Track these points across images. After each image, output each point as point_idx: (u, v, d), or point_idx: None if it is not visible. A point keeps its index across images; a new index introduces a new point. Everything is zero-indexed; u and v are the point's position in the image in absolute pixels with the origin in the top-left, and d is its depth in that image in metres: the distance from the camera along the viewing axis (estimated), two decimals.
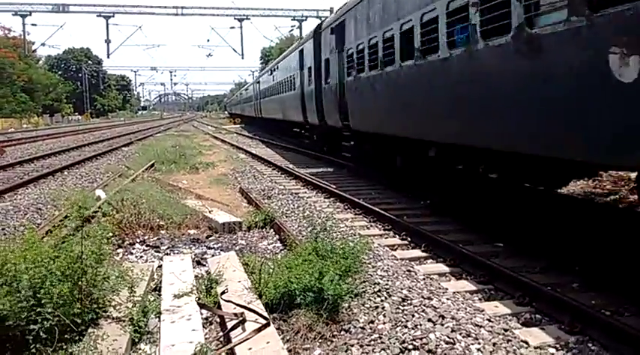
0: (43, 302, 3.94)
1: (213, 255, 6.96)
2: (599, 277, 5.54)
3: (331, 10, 33.89)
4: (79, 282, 4.30)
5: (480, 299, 5.29)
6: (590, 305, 4.75)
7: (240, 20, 58.04)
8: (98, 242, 4.78)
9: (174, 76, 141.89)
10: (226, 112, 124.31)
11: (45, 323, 3.88)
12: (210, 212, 9.02)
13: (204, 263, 6.64)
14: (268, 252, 7.02)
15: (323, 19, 39.05)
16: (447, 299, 5.02)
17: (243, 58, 61.61)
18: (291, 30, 60.62)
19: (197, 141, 30.20)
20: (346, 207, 9.89)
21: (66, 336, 4.00)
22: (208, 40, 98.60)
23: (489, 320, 4.52)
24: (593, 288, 5.34)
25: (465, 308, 4.78)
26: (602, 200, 9.71)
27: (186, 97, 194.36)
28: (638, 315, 4.75)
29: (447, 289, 5.37)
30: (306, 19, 57.40)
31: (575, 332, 4.41)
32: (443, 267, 6.32)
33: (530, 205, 8.13)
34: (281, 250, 7.08)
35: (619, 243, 6.40)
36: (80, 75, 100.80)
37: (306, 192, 11.70)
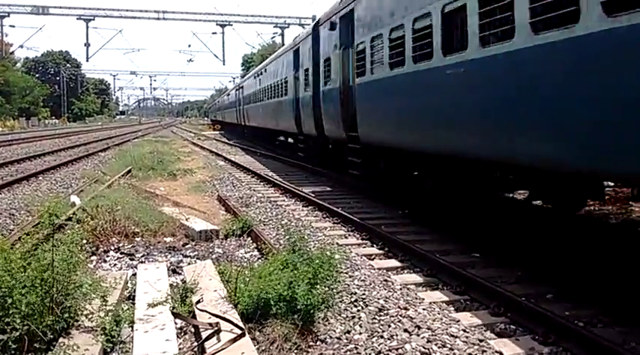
0: (10, 312, 3.85)
1: (189, 264, 6.89)
2: (573, 287, 5.61)
3: (313, 18, 33.87)
4: (50, 291, 4.21)
5: (455, 310, 5.30)
6: (564, 316, 4.79)
7: (222, 26, 58.07)
8: (71, 249, 4.70)
9: (154, 80, 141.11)
10: (206, 118, 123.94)
11: (14, 332, 3.79)
12: (187, 219, 8.93)
13: (180, 271, 6.57)
14: (245, 260, 6.96)
15: (306, 26, 39.22)
16: (424, 309, 5.04)
17: (224, 64, 61.50)
18: (273, 37, 60.85)
19: (175, 147, 29.96)
20: (325, 216, 9.88)
21: (35, 346, 3.90)
22: (189, 46, 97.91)
23: (465, 331, 4.54)
24: (568, 299, 5.39)
25: (441, 319, 4.80)
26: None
27: (166, 102, 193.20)
28: (612, 326, 4.81)
29: (423, 299, 5.39)
30: (288, 27, 57.71)
31: (549, 343, 4.44)
32: (420, 277, 6.33)
33: (508, 215, 8.21)
34: (258, 259, 7.04)
35: (592, 253, 6.50)
36: (58, 78, 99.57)
37: (284, 201, 11.66)
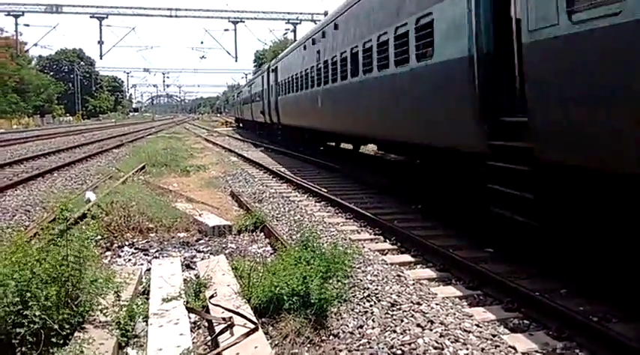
0: (29, 304, 3.91)
1: (202, 259, 6.93)
2: (587, 283, 5.56)
3: (325, 14, 33.80)
4: (66, 285, 4.26)
5: (468, 305, 5.29)
6: (578, 312, 4.76)
7: (235, 23, 58.12)
8: (85, 245, 4.75)
9: (167, 77, 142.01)
10: (219, 115, 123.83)
11: (31, 326, 3.85)
12: (200, 215, 8.99)
13: (194, 266, 6.61)
14: (258, 255, 6.99)
15: (317, 22, 39.13)
16: (436, 304, 5.03)
17: (236, 60, 61.40)
18: (285, 33, 60.72)
19: (189, 143, 30.13)
20: (337, 212, 9.88)
21: (52, 340, 3.95)
22: (202, 42, 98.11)
23: (478, 326, 4.53)
24: (582, 295, 5.36)
25: (454, 314, 4.79)
26: None
27: (179, 99, 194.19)
28: (626, 322, 4.76)
29: (436, 294, 5.38)
30: (300, 23, 57.61)
31: (563, 338, 4.42)
32: (432, 272, 6.32)
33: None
34: (271, 254, 7.07)
35: (606, 250, 6.43)
36: (72, 76, 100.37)
37: (297, 196, 11.68)
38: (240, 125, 54.36)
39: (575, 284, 5.62)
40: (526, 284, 5.52)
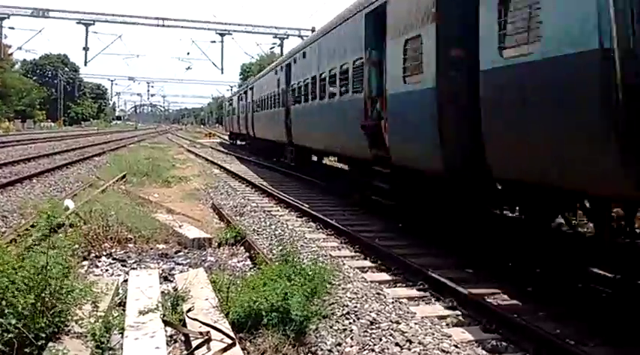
0: (5, 312, 3.82)
1: (181, 271, 6.87)
2: (564, 306, 5.61)
3: (313, 29, 34.03)
4: (42, 294, 4.19)
5: (447, 325, 5.30)
6: (556, 334, 4.80)
7: (222, 35, 58.16)
8: (64, 253, 4.68)
9: (152, 86, 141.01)
10: (202, 126, 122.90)
11: (5, 335, 3.76)
12: (180, 227, 8.92)
13: (172, 279, 6.55)
14: (238, 269, 6.95)
15: (305, 37, 39.35)
16: (415, 323, 5.04)
17: (222, 72, 61.21)
18: (272, 47, 60.90)
19: (171, 153, 29.94)
20: (318, 227, 9.87)
21: (26, 350, 3.87)
22: (188, 53, 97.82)
23: (456, 347, 4.54)
24: (560, 317, 5.40)
25: (433, 334, 4.80)
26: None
27: (163, 109, 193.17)
28: (602, 345, 4.81)
29: (415, 313, 5.39)
30: (287, 37, 57.82)
31: None
32: (412, 291, 6.32)
33: (501, 231, 8.22)
34: (251, 268, 7.02)
35: (584, 273, 6.51)
36: (56, 81, 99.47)
37: (278, 211, 11.65)
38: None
39: (552, 305, 5.66)
40: (505, 306, 5.57)
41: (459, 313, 5.60)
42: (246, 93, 32.46)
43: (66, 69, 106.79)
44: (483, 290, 6.16)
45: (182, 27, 58.25)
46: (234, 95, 42.77)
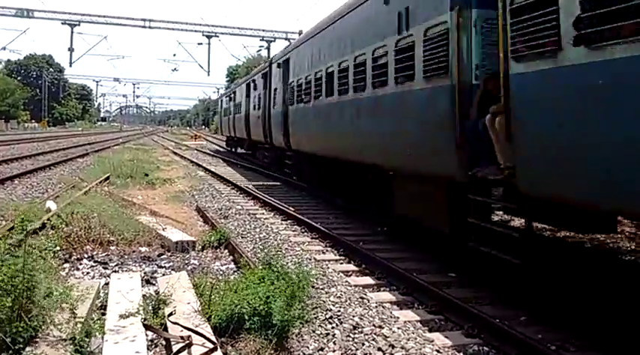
0: None
1: (163, 274, 6.80)
2: (546, 311, 5.64)
3: (300, 33, 33.90)
4: (20, 298, 4.12)
5: (429, 330, 5.30)
6: (537, 339, 4.81)
7: (209, 37, 57.97)
8: (44, 255, 4.61)
9: (138, 88, 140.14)
10: (189, 128, 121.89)
11: None
12: (163, 229, 8.84)
13: (154, 282, 6.48)
14: (221, 273, 6.89)
15: (292, 40, 39.28)
16: (398, 328, 5.04)
17: (209, 74, 61.16)
18: (259, 50, 60.79)
19: (156, 155, 29.71)
20: (303, 231, 9.85)
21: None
22: (174, 55, 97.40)
23: (438, 352, 4.55)
24: (540, 322, 5.42)
25: (415, 338, 4.80)
26: (551, 234, 9.95)
27: (148, 111, 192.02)
28: (584, 350, 4.84)
29: (398, 318, 5.39)
30: (274, 41, 57.81)
31: None
32: (395, 296, 6.32)
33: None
34: (234, 272, 6.98)
35: (566, 278, 6.55)
36: (40, 82, 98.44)
37: (263, 214, 11.61)
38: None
39: (535, 311, 5.68)
40: (487, 310, 5.58)
41: (442, 317, 5.61)
42: (266, 76, 20.84)
43: (51, 69, 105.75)
44: (466, 294, 6.18)
45: (168, 28, 57.99)
46: (238, 86, 31.85)
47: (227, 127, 35.77)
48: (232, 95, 33.44)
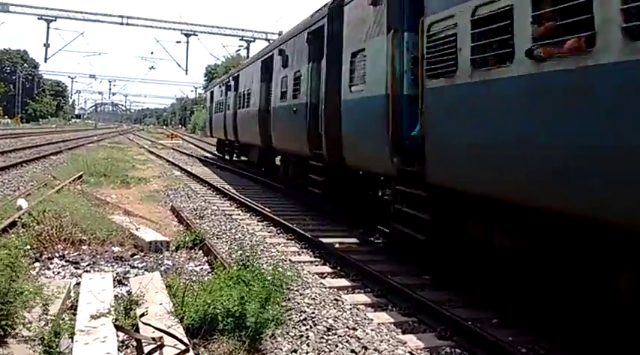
0: None
1: (136, 275, 6.71)
2: (517, 313, 5.71)
3: (280, 33, 33.86)
4: None
5: (403, 332, 5.33)
6: (508, 342, 4.88)
7: (187, 35, 57.62)
8: (13, 254, 4.53)
9: (114, 85, 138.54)
10: (165, 127, 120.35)
11: None
12: (137, 229, 8.73)
13: (126, 282, 6.39)
14: (195, 273, 6.84)
15: (271, 40, 39.17)
16: (372, 330, 5.05)
17: (187, 73, 60.70)
18: (239, 50, 60.59)
19: (131, 154, 29.37)
20: (279, 232, 9.83)
21: None
22: (152, 53, 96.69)
23: (411, 353, 4.58)
24: (512, 324, 5.50)
25: (388, 340, 4.82)
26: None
27: (124, 108, 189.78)
28: (554, 353, 4.92)
29: (372, 320, 5.41)
30: (254, 41, 57.65)
31: None
32: (370, 298, 6.35)
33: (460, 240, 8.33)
34: (208, 273, 6.92)
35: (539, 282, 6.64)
36: (14, 77, 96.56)
37: (239, 214, 11.56)
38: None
39: (507, 313, 5.75)
40: (460, 313, 5.63)
41: (415, 320, 5.65)
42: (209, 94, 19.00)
43: (25, 65, 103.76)
44: (440, 297, 6.23)
45: (146, 26, 57.41)
46: (244, 68, 21.62)
47: (220, 127, 25.43)
48: (232, 83, 22.92)
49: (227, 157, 27.17)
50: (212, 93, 30.73)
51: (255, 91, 17.80)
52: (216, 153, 30.59)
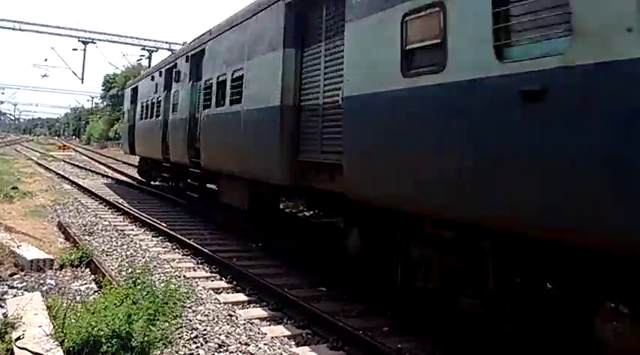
0: None
1: (15, 295, 6.25)
2: (408, 321, 5.90)
3: (184, 43, 33.09)
4: None
5: (296, 344, 5.33)
6: (397, 349, 5.02)
7: (85, 43, 54.87)
8: None
9: (2, 93, 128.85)
10: (57, 138, 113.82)
11: None
12: (18, 246, 8.15)
13: (3, 304, 5.93)
14: (80, 293, 6.48)
15: (174, 51, 38.16)
16: (265, 344, 5.03)
17: (82, 82, 57.51)
18: (140, 59, 58.55)
19: (17, 166, 27.43)
20: (175, 247, 9.55)
21: None
22: (46, 60, 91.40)
23: None
24: (403, 332, 5.66)
25: (281, 354, 4.81)
26: None
27: (13, 118, 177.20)
28: None
29: (265, 334, 5.38)
30: (157, 51, 55.91)
31: None
32: (265, 311, 6.31)
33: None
34: (95, 292, 6.58)
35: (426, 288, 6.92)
36: None
37: (133, 229, 11.11)
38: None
39: (398, 321, 5.92)
40: (354, 322, 5.73)
41: (310, 332, 5.67)
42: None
43: None
44: (334, 308, 6.31)
45: (41, 32, 54.03)
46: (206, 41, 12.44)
47: (149, 141, 18.18)
48: (176, 70, 14.97)
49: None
50: (134, 90, 22.32)
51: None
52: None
